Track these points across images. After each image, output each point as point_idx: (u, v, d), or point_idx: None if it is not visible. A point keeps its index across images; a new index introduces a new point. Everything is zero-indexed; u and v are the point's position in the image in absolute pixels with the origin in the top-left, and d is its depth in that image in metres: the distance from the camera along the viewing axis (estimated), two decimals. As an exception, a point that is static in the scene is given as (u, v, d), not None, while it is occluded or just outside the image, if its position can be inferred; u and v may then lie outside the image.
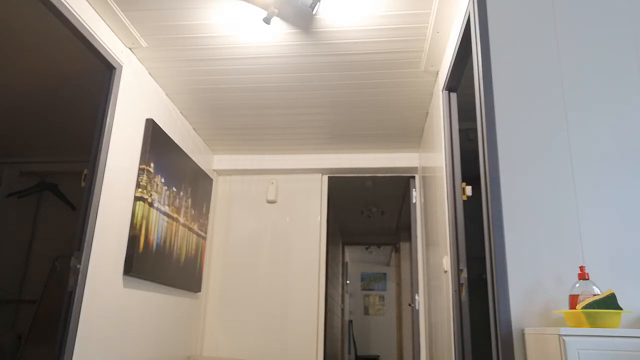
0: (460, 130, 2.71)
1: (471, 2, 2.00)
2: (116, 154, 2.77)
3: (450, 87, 2.76)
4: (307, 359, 4.04)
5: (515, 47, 1.87)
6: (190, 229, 3.78)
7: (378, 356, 9.20)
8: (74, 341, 2.38)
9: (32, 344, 3.81)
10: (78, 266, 2.43)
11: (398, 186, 5.04)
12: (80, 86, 3.22)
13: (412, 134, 3.96)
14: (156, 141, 3.20)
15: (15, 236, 4.46)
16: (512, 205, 1.70)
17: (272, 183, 4.47)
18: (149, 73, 3.19)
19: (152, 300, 3.23)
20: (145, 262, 3.04)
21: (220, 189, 4.54)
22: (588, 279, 1.50)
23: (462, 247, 2.48)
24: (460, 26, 2.28)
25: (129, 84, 2.91)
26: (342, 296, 7.54)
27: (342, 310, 7.50)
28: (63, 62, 2.98)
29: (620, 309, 1.42)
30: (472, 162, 2.06)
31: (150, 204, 3.13)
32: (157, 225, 3.22)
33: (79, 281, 2.43)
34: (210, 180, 4.27)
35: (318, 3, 2.42)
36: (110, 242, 2.73)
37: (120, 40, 2.81)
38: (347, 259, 9.28)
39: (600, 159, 1.73)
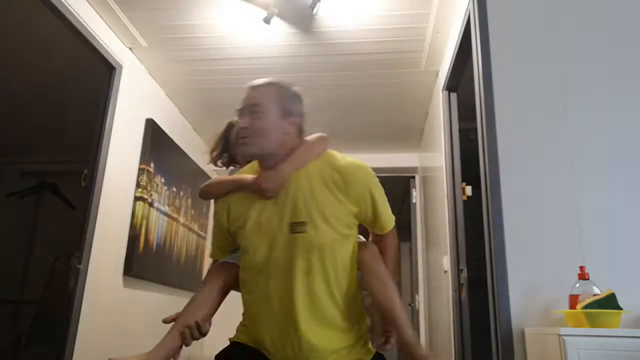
0: (460, 130, 2.71)
1: (471, 2, 2.00)
2: (116, 154, 2.77)
3: (450, 87, 2.75)
4: (307, 359, 4.03)
5: (515, 47, 1.87)
6: (190, 229, 3.78)
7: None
8: (74, 341, 2.38)
9: (32, 344, 3.80)
10: (78, 266, 2.43)
11: (398, 186, 5.03)
12: (80, 86, 3.21)
13: (412, 134, 3.96)
14: (156, 141, 3.20)
15: (15, 236, 4.45)
16: (512, 205, 1.70)
17: (272, 183, 4.45)
18: (149, 73, 3.19)
19: (152, 300, 3.23)
20: (145, 262, 3.04)
21: (220, 189, 4.53)
22: (588, 279, 1.49)
23: (462, 247, 2.48)
24: (460, 26, 2.28)
25: (129, 84, 2.91)
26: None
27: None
28: (63, 62, 2.98)
29: (620, 309, 1.41)
30: (472, 162, 2.05)
31: (150, 204, 3.13)
32: (157, 225, 3.22)
33: (79, 281, 2.43)
34: (210, 180, 4.26)
35: (318, 3, 2.41)
36: (110, 242, 2.73)
37: (120, 40, 2.81)
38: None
39: (600, 159, 1.72)
